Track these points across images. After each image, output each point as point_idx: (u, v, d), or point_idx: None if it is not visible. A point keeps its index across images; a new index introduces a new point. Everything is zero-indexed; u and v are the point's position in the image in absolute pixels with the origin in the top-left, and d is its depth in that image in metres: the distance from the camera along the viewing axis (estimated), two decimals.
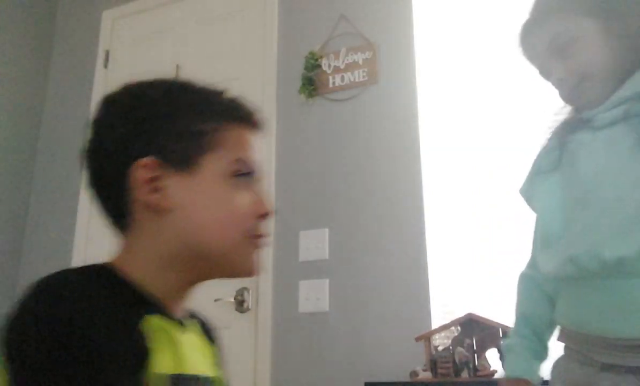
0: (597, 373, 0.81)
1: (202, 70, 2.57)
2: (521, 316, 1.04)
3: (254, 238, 0.69)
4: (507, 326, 1.53)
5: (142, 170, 0.65)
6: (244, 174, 0.69)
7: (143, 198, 0.65)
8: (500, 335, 1.56)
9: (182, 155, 0.67)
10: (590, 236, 0.82)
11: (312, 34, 2.36)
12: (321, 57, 2.30)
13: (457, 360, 1.58)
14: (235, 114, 0.72)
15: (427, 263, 1.93)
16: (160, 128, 0.67)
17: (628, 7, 0.93)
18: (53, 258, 2.59)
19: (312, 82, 2.28)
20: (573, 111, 1.00)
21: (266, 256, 2.15)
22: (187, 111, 0.68)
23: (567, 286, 0.90)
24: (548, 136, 1.02)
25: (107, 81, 2.75)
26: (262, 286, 2.13)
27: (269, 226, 0.71)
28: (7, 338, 0.53)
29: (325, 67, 2.29)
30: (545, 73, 0.99)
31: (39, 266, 2.61)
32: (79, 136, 2.94)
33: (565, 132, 0.97)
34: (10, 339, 0.53)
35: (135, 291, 0.62)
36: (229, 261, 0.68)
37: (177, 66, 2.61)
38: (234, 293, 2.16)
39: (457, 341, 1.62)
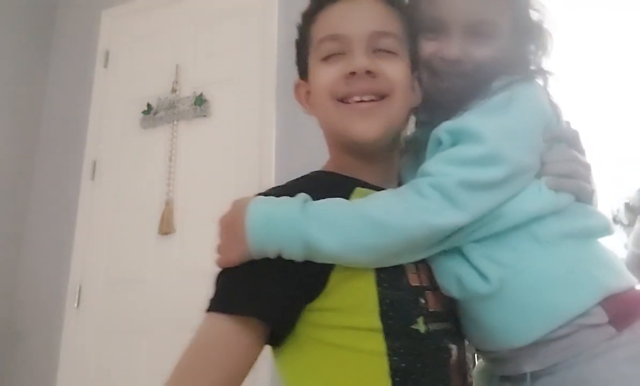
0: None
1: (202, 70, 2.57)
2: None
3: (344, 100, 0.77)
4: None
5: (296, 91, 0.88)
6: (332, 54, 0.78)
7: (304, 109, 0.87)
8: None
9: (300, 67, 0.86)
10: None
11: None
12: None
13: None
14: (314, 4, 0.84)
15: None
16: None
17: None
18: (53, 257, 2.59)
19: None
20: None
21: None
22: (300, 33, 0.87)
23: None
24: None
25: (107, 81, 2.74)
26: None
27: (362, 87, 0.77)
28: None
29: None
30: (438, 30, 0.83)
31: (39, 266, 2.61)
32: (79, 135, 2.95)
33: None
34: None
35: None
36: (337, 129, 0.80)
37: (177, 66, 2.61)
38: None
39: None
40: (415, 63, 0.83)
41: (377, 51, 0.78)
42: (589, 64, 2.18)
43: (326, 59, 0.79)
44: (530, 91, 0.80)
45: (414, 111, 0.88)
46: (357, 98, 0.77)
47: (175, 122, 2.53)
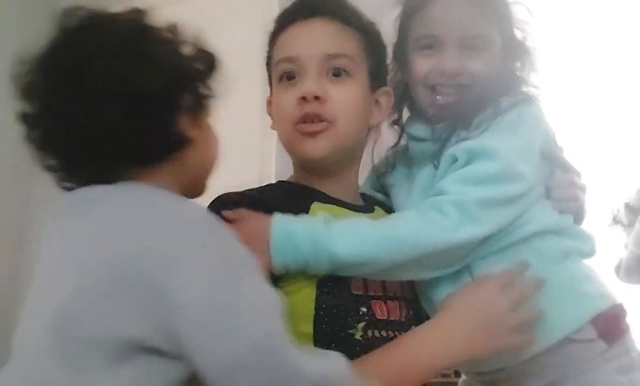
0: None
1: None
2: None
3: (298, 125, 0.81)
4: None
5: (268, 107, 0.91)
6: (288, 77, 0.82)
7: (273, 125, 0.91)
8: None
9: (270, 85, 0.89)
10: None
11: None
12: None
13: None
14: (276, 26, 0.90)
15: None
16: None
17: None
18: None
19: None
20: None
21: None
22: (267, 54, 0.92)
23: None
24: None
25: None
26: None
27: (311, 111, 0.82)
28: None
29: None
30: (433, 46, 0.85)
31: None
32: None
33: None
34: None
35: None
36: (289, 148, 0.85)
37: None
38: None
39: None
40: (378, 80, 0.86)
41: (331, 74, 0.81)
42: (589, 65, 2.18)
43: (282, 80, 0.83)
44: (536, 111, 0.84)
45: (399, 123, 0.93)
46: (309, 120, 0.81)
47: None
